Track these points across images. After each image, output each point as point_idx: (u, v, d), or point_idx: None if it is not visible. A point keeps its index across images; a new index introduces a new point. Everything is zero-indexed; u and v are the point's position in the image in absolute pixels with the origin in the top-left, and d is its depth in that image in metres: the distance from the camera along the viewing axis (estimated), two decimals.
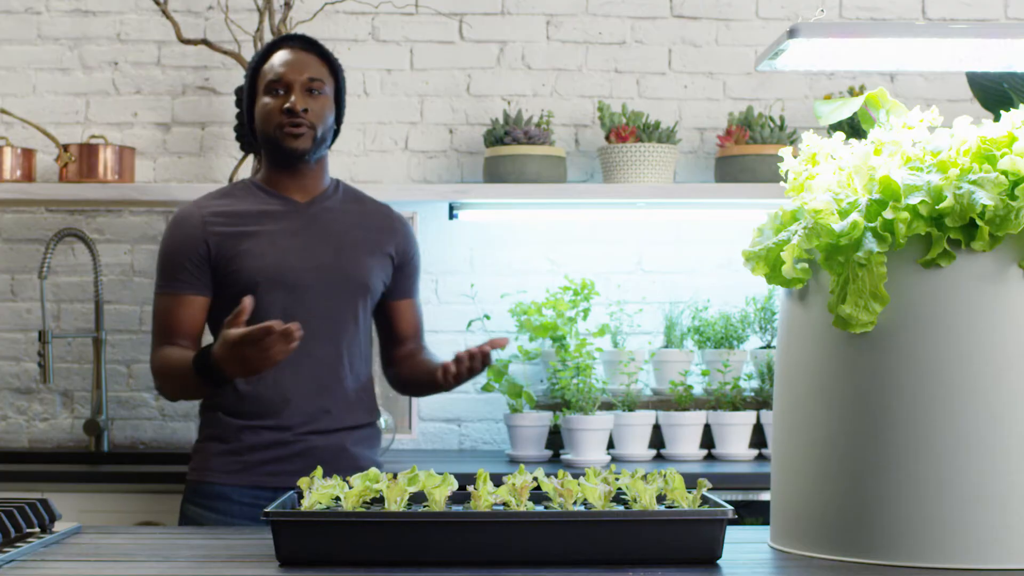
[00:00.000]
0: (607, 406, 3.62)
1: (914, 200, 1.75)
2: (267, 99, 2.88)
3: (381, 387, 3.36)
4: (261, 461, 2.81)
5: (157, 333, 2.89)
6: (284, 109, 2.84)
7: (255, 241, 2.86)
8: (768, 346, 3.77)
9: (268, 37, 3.78)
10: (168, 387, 2.88)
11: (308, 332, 2.79)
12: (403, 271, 3.00)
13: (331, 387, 2.86)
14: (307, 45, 2.92)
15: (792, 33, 2.04)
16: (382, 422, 3.10)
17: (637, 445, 3.57)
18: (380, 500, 1.88)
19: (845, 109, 2.06)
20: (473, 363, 2.77)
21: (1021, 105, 1.89)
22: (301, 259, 2.85)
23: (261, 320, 2.77)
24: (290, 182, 2.92)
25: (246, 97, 2.95)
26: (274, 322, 2.56)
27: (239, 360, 2.61)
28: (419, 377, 2.99)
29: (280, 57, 2.90)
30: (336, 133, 2.98)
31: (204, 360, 2.71)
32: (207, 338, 2.97)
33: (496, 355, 3.74)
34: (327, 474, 2.01)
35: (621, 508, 1.85)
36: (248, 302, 2.60)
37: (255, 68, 2.93)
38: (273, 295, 2.82)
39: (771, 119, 3.82)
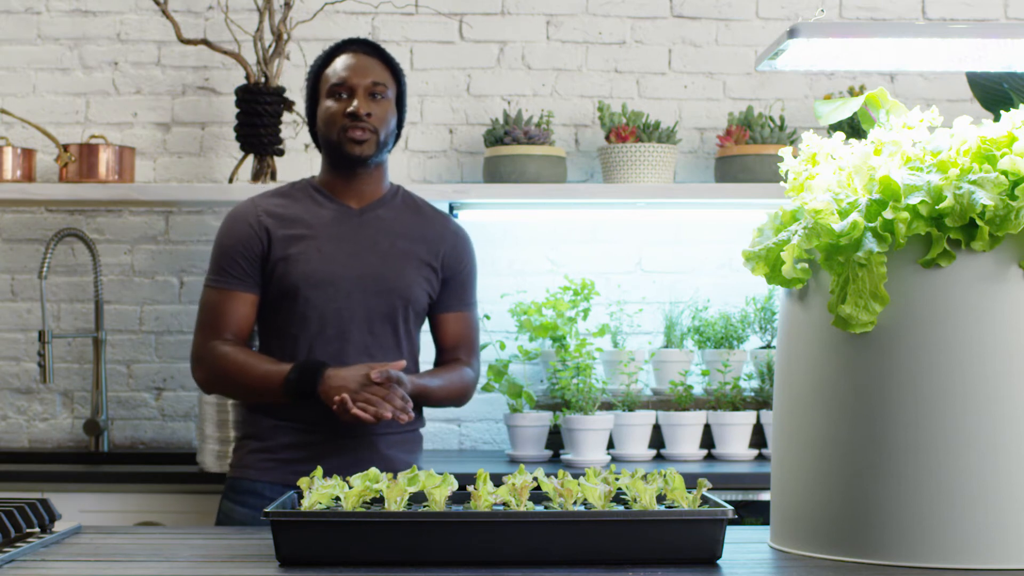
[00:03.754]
0: (607, 406, 3.61)
1: (914, 200, 1.75)
2: (330, 103, 2.89)
3: None
4: (293, 459, 2.83)
5: (205, 326, 2.88)
6: (347, 113, 2.85)
7: (304, 245, 2.87)
8: (768, 346, 3.77)
9: (268, 37, 3.79)
10: (221, 383, 2.88)
11: (345, 339, 2.84)
12: (450, 284, 3.00)
13: None
14: (370, 49, 2.94)
15: (792, 33, 2.04)
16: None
17: (637, 445, 3.57)
18: (380, 500, 1.88)
19: (845, 109, 2.06)
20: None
21: (1021, 105, 1.89)
22: (345, 267, 2.86)
23: (300, 321, 2.83)
24: (347, 186, 2.93)
25: (307, 100, 2.97)
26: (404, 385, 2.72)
27: (353, 390, 2.70)
28: None
29: (343, 61, 2.91)
30: (397, 137, 2.98)
31: (307, 373, 2.74)
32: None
33: (496, 355, 3.75)
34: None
35: (621, 508, 1.85)
36: (402, 365, 2.77)
37: (317, 72, 2.94)
38: (313, 300, 2.84)
39: (771, 119, 3.82)
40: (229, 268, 2.88)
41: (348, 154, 2.86)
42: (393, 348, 2.91)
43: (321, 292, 2.84)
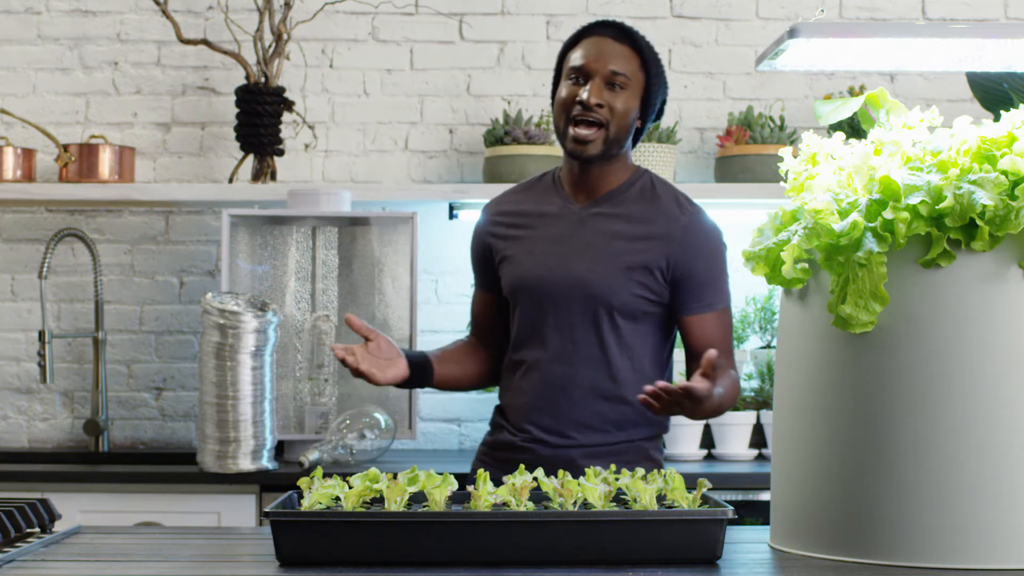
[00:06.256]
0: None
1: (914, 200, 1.75)
2: (565, 87, 2.70)
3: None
4: (497, 460, 2.73)
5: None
6: (577, 100, 2.65)
7: (519, 247, 2.75)
8: (768, 346, 3.77)
9: (268, 37, 3.79)
10: None
11: (543, 346, 2.69)
12: (685, 285, 2.69)
13: (559, 403, 2.68)
14: (620, 34, 2.71)
15: (792, 33, 2.04)
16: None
17: None
18: (380, 500, 1.88)
19: (845, 109, 2.06)
20: (671, 399, 2.42)
21: (1021, 105, 1.89)
22: (551, 270, 2.70)
23: (520, 330, 2.74)
24: (580, 178, 2.73)
25: (552, 83, 2.78)
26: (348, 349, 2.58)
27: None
28: None
29: (587, 45, 2.70)
30: (640, 132, 2.74)
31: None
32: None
33: None
34: None
35: (621, 508, 1.85)
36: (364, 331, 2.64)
37: (563, 53, 2.75)
38: (524, 305, 2.73)
39: (771, 119, 3.82)
40: (474, 268, 2.87)
41: (570, 152, 2.68)
42: (598, 357, 2.68)
43: (528, 296, 2.71)
